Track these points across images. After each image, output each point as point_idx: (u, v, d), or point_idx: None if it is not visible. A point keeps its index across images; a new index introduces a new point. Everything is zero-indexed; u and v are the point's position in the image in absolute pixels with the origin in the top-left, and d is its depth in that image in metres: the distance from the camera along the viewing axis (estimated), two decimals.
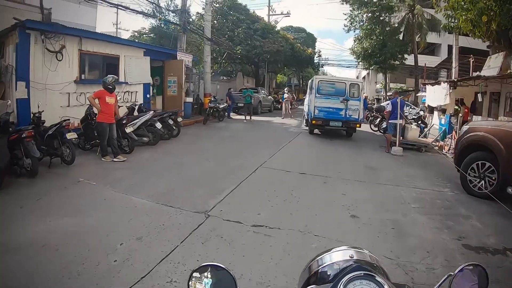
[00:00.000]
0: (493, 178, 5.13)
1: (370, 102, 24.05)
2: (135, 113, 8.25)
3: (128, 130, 6.96)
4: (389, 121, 9.22)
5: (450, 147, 9.69)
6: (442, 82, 11.49)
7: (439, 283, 0.83)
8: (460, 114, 11.59)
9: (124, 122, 7.10)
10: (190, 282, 0.80)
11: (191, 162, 6.73)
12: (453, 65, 13.65)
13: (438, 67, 21.51)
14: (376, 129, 13.22)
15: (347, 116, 10.50)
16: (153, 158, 6.91)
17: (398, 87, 25.06)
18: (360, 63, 24.42)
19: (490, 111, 11.14)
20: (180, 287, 2.49)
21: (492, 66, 10.15)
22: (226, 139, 9.88)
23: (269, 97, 21.33)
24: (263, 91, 21.37)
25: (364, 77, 37.14)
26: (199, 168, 6.30)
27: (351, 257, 0.79)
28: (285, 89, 18.78)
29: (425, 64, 20.27)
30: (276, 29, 26.02)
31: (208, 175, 5.84)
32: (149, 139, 7.76)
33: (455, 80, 10.97)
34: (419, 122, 11.91)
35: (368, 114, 15.10)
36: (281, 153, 8.08)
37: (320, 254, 0.85)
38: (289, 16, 29.00)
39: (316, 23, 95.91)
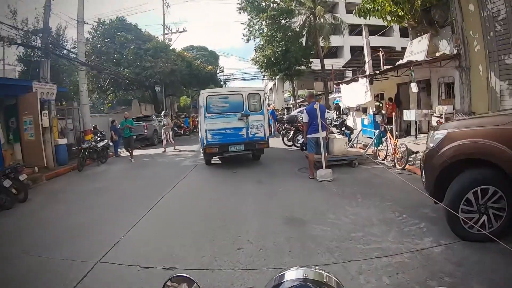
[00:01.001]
0: (496, 208, 3.05)
1: (279, 112, 22.48)
2: None
3: None
4: (308, 136, 6.54)
5: (387, 153, 7.53)
6: (360, 78, 9.64)
7: None
8: (384, 111, 10.05)
9: None
10: None
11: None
12: (366, 59, 12.20)
13: (346, 66, 20.80)
14: (291, 143, 11.02)
15: (250, 135, 8.04)
16: None
17: (308, 92, 23.99)
18: (264, 73, 22.61)
19: (419, 102, 9.49)
20: None
21: (416, 51, 8.64)
22: (90, 197, 6.57)
23: None
24: (160, 118, 17.92)
25: (271, 88, 36.31)
26: None
27: (303, 276, 0.84)
28: (162, 113, 14.77)
29: (332, 65, 19.26)
30: (171, 47, 23.08)
31: None
32: None
33: (377, 72, 9.21)
34: (343, 128, 9.72)
35: (279, 126, 12.88)
36: (152, 214, 5.05)
37: (279, 273, 0.88)
38: (185, 32, 26.36)
39: (220, 41, 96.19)
